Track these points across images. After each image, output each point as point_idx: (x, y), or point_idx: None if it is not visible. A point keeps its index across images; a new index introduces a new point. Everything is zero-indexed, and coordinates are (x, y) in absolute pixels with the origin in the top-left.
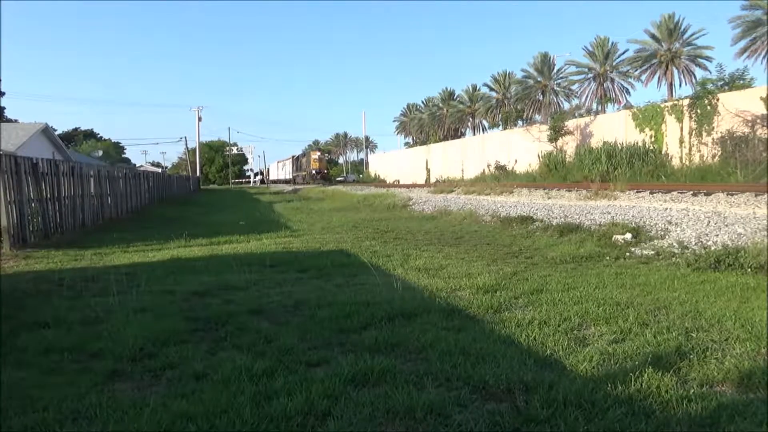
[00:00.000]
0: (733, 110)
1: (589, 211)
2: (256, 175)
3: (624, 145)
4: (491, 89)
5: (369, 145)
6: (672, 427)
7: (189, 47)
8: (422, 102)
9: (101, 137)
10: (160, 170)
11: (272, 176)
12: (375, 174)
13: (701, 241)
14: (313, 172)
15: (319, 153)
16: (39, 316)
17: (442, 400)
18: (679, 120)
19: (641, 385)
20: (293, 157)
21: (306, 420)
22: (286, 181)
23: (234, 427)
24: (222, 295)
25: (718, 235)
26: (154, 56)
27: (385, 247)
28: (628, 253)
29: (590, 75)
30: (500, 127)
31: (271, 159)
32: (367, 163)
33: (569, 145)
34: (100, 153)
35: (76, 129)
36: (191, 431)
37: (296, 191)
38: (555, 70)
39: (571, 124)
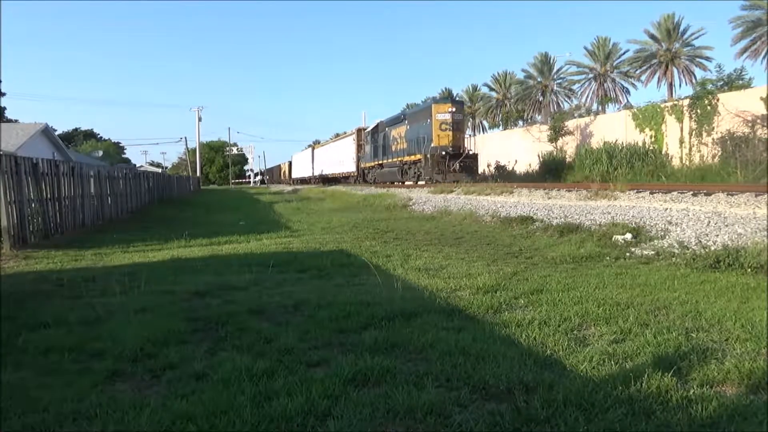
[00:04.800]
0: (733, 110)
1: (589, 211)
2: (256, 175)
3: (624, 145)
4: (491, 89)
5: None
6: (672, 427)
7: (189, 47)
8: (422, 102)
9: (101, 137)
10: (160, 170)
11: (297, 172)
12: None
13: (701, 241)
14: (443, 153)
15: (452, 109)
16: (39, 316)
17: (442, 400)
18: (679, 120)
19: (641, 385)
20: (361, 130)
21: (306, 420)
22: (334, 179)
23: (234, 427)
24: (222, 295)
25: (718, 235)
26: (154, 56)
27: (385, 247)
28: (628, 253)
29: (591, 75)
30: (500, 127)
31: (272, 159)
32: None
33: (569, 145)
34: (100, 153)
35: (76, 129)
36: (191, 431)
37: (296, 191)
38: (555, 70)
39: (571, 124)
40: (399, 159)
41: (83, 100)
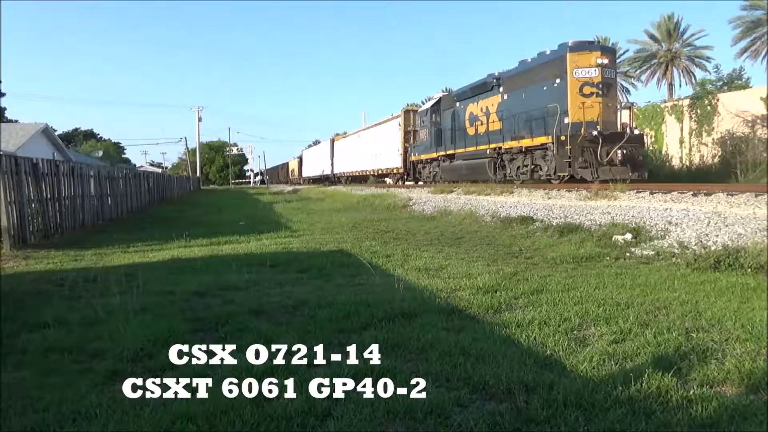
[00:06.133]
0: (734, 110)
1: (589, 211)
2: (256, 175)
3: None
4: None
5: None
6: (672, 427)
7: (189, 48)
8: (422, 101)
9: (101, 137)
10: (160, 170)
11: (309, 171)
12: None
13: (701, 241)
14: (593, 134)
15: (602, 60)
16: (39, 316)
17: (442, 400)
18: (679, 120)
19: (641, 385)
20: (411, 111)
21: (306, 420)
22: (362, 178)
23: (234, 427)
24: (222, 295)
25: (718, 236)
26: (154, 57)
27: (385, 247)
28: (628, 254)
29: None
30: None
31: (272, 159)
32: None
33: None
34: (100, 153)
35: (76, 129)
36: (191, 431)
37: (296, 191)
38: None
39: None
40: (492, 146)
41: (83, 100)
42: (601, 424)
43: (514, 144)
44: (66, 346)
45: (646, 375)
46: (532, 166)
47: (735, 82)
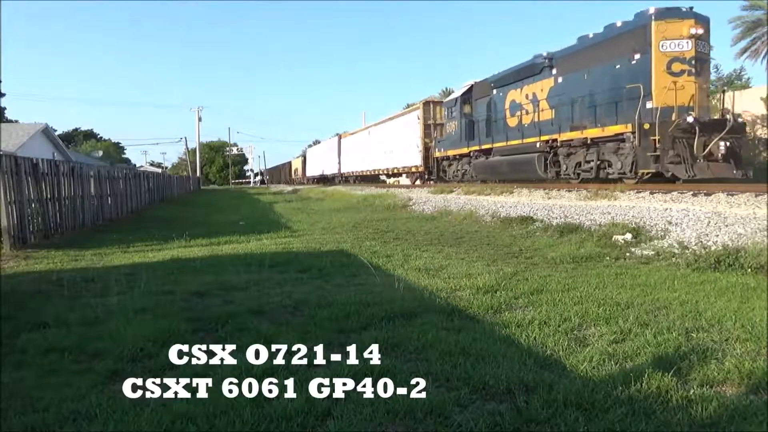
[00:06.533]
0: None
1: (589, 211)
2: (256, 175)
3: None
4: None
5: None
6: (672, 427)
7: (189, 48)
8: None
9: (101, 137)
10: (160, 170)
11: (314, 170)
12: None
13: (701, 241)
14: (688, 122)
15: (696, 30)
16: (39, 316)
17: (442, 400)
18: None
19: (641, 385)
20: (432, 103)
21: (306, 420)
22: (373, 177)
23: (234, 427)
24: (222, 295)
25: (718, 236)
26: (154, 57)
27: (385, 247)
28: (628, 254)
29: None
30: None
31: (272, 160)
32: None
33: None
34: (100, 153)
35: (76, 129)
36: (191, 431)
37: (296, 191)
38: None
39: None
40: (543, 138)
41: (83, 100)
42: (601, 424)
43: (575, 135)
44: (66, 346)
45: (646, 375)
46: (599, 162)
47: (735, 82)
